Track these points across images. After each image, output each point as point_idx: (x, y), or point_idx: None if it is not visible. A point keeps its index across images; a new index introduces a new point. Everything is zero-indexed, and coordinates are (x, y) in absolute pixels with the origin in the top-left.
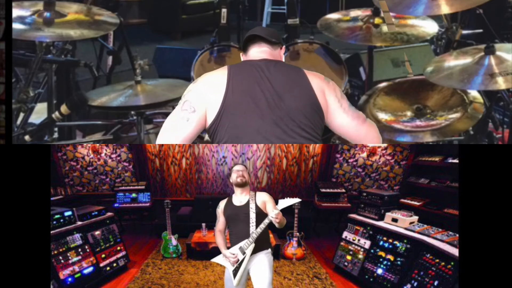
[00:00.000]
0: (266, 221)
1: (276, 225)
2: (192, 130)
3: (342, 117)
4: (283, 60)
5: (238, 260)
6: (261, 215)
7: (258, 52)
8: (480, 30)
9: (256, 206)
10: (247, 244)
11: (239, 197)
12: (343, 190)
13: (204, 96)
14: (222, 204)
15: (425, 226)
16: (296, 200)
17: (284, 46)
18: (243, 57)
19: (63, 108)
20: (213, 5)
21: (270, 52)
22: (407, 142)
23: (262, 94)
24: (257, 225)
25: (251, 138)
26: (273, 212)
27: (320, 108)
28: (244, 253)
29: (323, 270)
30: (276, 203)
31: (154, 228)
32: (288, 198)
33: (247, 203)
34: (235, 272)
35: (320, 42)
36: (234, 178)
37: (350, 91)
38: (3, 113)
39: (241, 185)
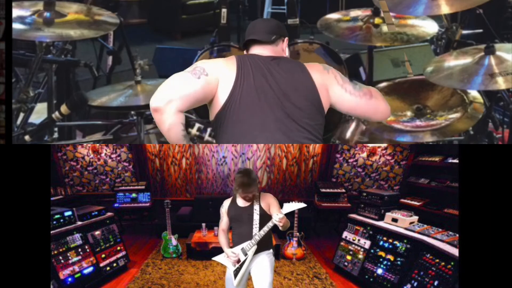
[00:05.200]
0: (270, 224)
1: (280, 228)
2: (202, 89)
3: (349, 100)
4: (287, 52)
5: (240, 260)
6: (265, 216)
7: (260, 50)
8: (480, 30)
9: (260, 208)
10: (250, 246)
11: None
12: (343, 190)
13: (219, 72)
14: (226, 204)
15: (425, 226)
16: (302, 205)
17: (287, 38)
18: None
19: (63, 108)
20: (213, 5)
21: (273, 49)
22: (407, 142)
23: (268, 91)
24: (260, 227)
25: (254, 135)
26: (277, 216)
27: (322, 108)
28: (246, 254)
29: (323, 270)
30: (281, 204)
31: (154, 228)
32: (294, 202)
33: (251, 205)
34: (236, 273)
35: (320, 42)
36: (240, 195)
37: None
38: (3, 113)
39: (247, 199)
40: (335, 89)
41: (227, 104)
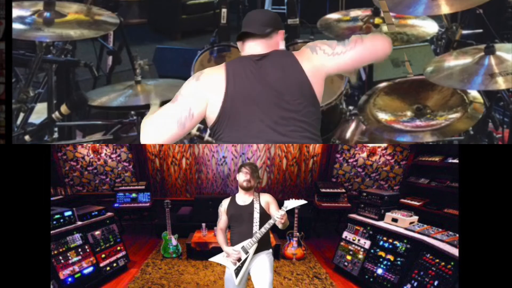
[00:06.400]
0: (271, 221)
1: (280, 226)
2: (185, 131)
3: (349, 58)
4: (282, 45)
5: (240, 258)
6: (264, 215)
7: (253, 45)
8: (480, 30)
9: (260, 207)
10: (250, 244)
11: (243, 197)
12: (343, 190)
13: (203, 94)
14: (225, 203)
15: (425, 226)
16: (302, 201)
17: (282, 30)
18: (241, 48)
19: (63, 108)
20: (213, 5)
21: (267, 42)
22: (407, 142)
23: (262, 95)
24: (260, 226)
25: (252, 140)
26: (279, 213)
27: (316, 100)
28: (247, 252)
29: (323, 270)
30: (281, 203)
31: (154, 228)
32: (293, 199)
33: (251, 203)
34: (237, 272)
35: None
36: (241, 180)
37: (350, 91)
38: (3, 113)
39: (246, 189)
40: (329, 63)
41: (220, 117)
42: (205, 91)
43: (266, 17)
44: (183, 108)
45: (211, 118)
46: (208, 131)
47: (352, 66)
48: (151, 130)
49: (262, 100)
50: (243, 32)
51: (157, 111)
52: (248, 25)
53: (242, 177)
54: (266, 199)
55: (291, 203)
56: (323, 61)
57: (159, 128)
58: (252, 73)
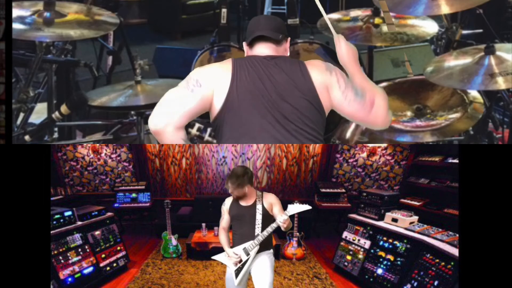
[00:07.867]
0: (274, 225)
1: (282, 229)
2: (197, 103)
3: (348, 109)
4: (288, 53)
5: (241, 260)
6: (267, 217)
7: (263, 48)
8: (480, 30)
9: (263, 208)
10: (252, 246)
11: (246, 197)
12: (343, 190)
13: (212, 80)
14: (228, 202)
15: (425, 226)
16: (307, 207)
17: (289, 38)
18: (247, 51)
19: (63, 108)
20: (213, 5)
21: (275, 48)
22: (407, 142)
23: (264, 93)
24: (262, 227)
25: (254, 137)
26: (282, 218)
27: (321, 107)
28: (248, 254)
29: (323, 270)
30: (284, 205)
31: (154, 228)
32: (297, 203)
33: (254, 204)
34: (237, 272)
35: (320, 42)
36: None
37: None
38: (3, 113)
39: (239, 198)
40: (335, 93)
41: (223, 109)
42: (211, 80)
43: (277, 23)
44: (187, 91)
45: (215, 110)
46: (208, 131)
47: (346, 116)
48: (156, 114)
49: (265, 99)
50: (258, 35)
51: None
52: (261, 29)
53: (230, 190)
54: (270, 200)
55: (294, 208)
56: (332, 86)
57: (174, 101)
58: (258, 70)
